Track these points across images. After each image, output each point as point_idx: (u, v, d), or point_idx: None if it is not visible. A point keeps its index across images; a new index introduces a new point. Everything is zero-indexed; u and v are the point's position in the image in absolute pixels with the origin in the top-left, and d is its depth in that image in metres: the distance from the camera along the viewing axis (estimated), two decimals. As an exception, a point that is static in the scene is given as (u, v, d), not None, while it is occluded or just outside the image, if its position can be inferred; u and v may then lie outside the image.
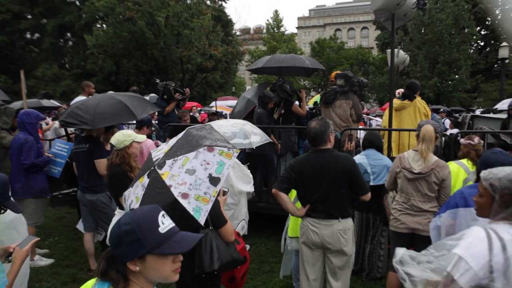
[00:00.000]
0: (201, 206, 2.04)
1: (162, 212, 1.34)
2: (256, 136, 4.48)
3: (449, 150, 5.11)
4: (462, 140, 3.82)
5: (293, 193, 3.32)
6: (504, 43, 15.48)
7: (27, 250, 2.03)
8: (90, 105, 4.15)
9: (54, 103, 9.49)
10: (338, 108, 5.44)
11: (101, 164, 4.08)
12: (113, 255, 1.29)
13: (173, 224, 1.34)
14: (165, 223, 1.31)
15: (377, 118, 10.73)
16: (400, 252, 1.76)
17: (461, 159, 3.61)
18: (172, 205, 2.01)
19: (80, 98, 6.23)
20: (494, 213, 1.63)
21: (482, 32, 28.52)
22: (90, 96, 6.02)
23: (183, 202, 2.02)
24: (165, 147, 2.47)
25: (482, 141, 3.86)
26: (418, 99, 5.85)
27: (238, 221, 4.16)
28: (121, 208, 3.37)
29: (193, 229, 2.08)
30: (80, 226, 4.67)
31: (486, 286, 1.46)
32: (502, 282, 1.44)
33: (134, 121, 6.79)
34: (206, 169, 2.12)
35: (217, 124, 4.48)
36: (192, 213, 2.01)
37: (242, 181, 4.34)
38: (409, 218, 3.25)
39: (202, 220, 2.03)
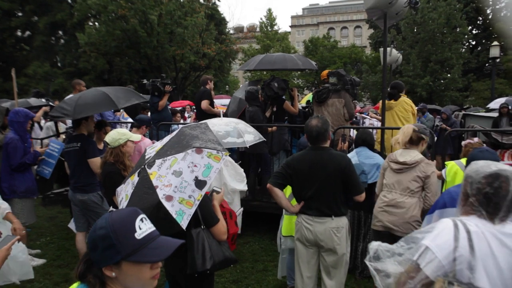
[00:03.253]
0: (185, 209, 2.01)
1: (141, 216, 1.27)
2: (249, 135, 4.49)
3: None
4: (463, 142, 3.89)
5: (288, 190, 3.32)
6: (495, 42, 15.64)
7: (6, 249, 2.00)
8: (74, 98, 4.21)
9: (44, 102, 9.37)
10: (331, 107, 5.45)
11: (95, 163, 4.04)
12: (90, 258, 1.25)
13: (153, 229, 1.28)
14: (143, 228, 1.24)
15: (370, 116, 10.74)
16: (374, 246, 1.74)
17: (462, 159, 3.66)
18: (156, 207, 1.99)
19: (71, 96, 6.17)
20: (463, 205, 1.66)
21: (474, 32, 28.79)
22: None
23: (167, 204, 1.99)
24: (158, 144, 2.45)
25: (483, 143, 3.93)
26: (404, 98, 5.87)
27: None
28: (115, 207, 3.35)
29: (176, 231, 2.03)
30: (72, 225, 4.63)
31: (451, 278, 1.47)
32: (466, 274, 1.45)
33: (130, 121, 6.75)
34: (193, 172, 2.09)
35: (210, 123, 4.48)
36: (174, 216, 1.98)
37: (236, 180, 4.33)
38: (385, 217, 3.28)
39: (184, 224, 2.00)
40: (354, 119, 7.94)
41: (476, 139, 3.79)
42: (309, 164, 2.99)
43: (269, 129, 5.43)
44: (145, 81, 6.62)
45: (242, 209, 4.46)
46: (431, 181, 3.18)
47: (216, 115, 6.07)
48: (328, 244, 2.97)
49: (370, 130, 5.48)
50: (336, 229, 2.96)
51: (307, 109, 6.94)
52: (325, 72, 6.01)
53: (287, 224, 3.69)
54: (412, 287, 1.51)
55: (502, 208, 1.54)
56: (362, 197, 3.00)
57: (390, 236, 3.23)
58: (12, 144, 4.41)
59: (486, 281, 1.44)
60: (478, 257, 1.46)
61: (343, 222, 3.02)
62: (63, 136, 6.87)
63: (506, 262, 1.45)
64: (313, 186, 2.96)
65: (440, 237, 1.52)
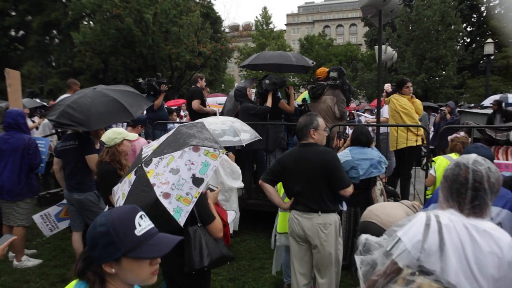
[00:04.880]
0: (182, 206, 2.03)
1: (140, 213, 1.29)
2: (246, 134, 4.50)
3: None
4: (449, 137, 3.93)
5: (282, 189, 3.34)
6: (490, 40, 15.74)
7: (2, 249, 2.01)
8: (83, 104, 3.97)
9: (39, 102, 9.37)
10: (323, 104, 5.52)
11: (92, 159, 4.03)
12: (90, 256, 1.26)
13: (151, 226, 1.30)
14: (142, 225, 1.27)
15: (366, 114, 10.81)
16: (362, 240, 1.77)
17: (452, 153, 3.69)
18: (154, 204, 2.00)
19: (66, 96, 6.15)
20: (440, 201, 1.71)
21: (468, 29, 28.94)
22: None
23: (164, 202, 2.01)
24: (155, 143, 2.46)
25: (468, 136, 3.98)
26: (394, 96, 5.80)
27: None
28: (111, 206, 3.34)
29: (173, 229, 2.04)
30: (37, 218, 4.52)
31: (415, 268, 1.53)
32: (436, 266, 1.49)
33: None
34: (190, 169, 2.10)
35: (207, 121, 4.49)
36: (172, 213, 2.00)
37: (232, 178, 4.34)
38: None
39: (182, 221, 2.01)
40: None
41: (462, 133, 3.86)
42: (294, 160, 3.03)
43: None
44: (140, 80, 6.57)
45: (238, 214, 4.48)
46: None
47: (208, 113, 6.07)
48: (314, 240, 2.96)
49: (367, 127, 5.49)
50: (323, 225, 2.94)
51: (302, 107, 6.95)
52: (320, 70, 6.02)
53: (282, 221, 3.70)
54: (382, 274, 1.58)
55: (467, 197, 1.58)
56: (347, 191, 2.98)
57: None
58: (34, 144, 4.49)
59: (456, 273, 1.47)
60: (448, 250, 1.50)
61: (331, 219, 2.98)
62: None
63: (474, 256, 1.48)
64: (299, 182, 2.99)
65: (412, 229, 1.59)
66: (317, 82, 5.76)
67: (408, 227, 1.61)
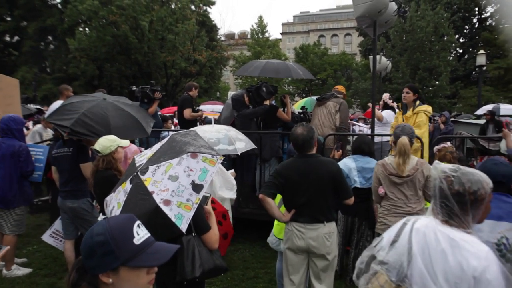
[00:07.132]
0: (183, 213, 2.03)
1: (138, 222, 1.28)
2: (241, 143, 4.50)
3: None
4: (435, 148, 3.97)
5: (278, 197, 3.33)
6: (482, 51, 15.98)
7: None
8: (100, 115, 4.01)
9: (33, 108, 9.30)
10: (325, 108, 5.76)
11: (87, 168, 3.99)
12: (84, 266, 1.23)
13: (149, 235, 1.30)
14: (140, 234, 1.26)
15: (360, 123, 10.84)
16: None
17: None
18: (154, 212, 1.99)
19: (59, 102, 6.10)
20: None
21: (461, 40, 29.39)
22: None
23: (165, 209, 2.00)
24: (148, 152, 2.44)
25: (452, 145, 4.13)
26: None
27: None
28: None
29: (174, 236, 2.06)
30: (46, 237, 4.50)
31: (378, 262, 1.67)
32: (403, 267, 1.58)
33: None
34: (189, 176, 2.10)
35: (201, 130, 4.48)
36: (174, 220, 1.99)
37: (225, 188, 4.32)
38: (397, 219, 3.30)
39: (184, 227, 2.01)
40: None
41: (448, 143, 3.93)
42: (299, 172, 3.01)
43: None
44: (134, 88, 6.48)
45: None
46: (431, 178, 3.26)
47: (197, 118, 6.34)
48: (320, 250, 2.99)
49: (369, 137, 5.54)
50: (328, 234, 3.00)
51: (302, 115, 6.98)
52: (340, 86, 6.54)
53: (276, 225, 3.68)
54: (363, 267, 1.75)
55: (437, 203, 1.63)
56: (351, 200, 3.09)
57: None
58: (25, 151, 4.43)
59: (420, 274, 1.53)
60: (414, 252, 1.56)
61: (333, 227, 3.08)
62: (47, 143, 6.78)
63: (437, 262, 1.51)
64: (305, 194, 2.98)
65: (390, 230, 1.73)
66: (331, 92, 6.13)
67: (390, 229, 1.75)
